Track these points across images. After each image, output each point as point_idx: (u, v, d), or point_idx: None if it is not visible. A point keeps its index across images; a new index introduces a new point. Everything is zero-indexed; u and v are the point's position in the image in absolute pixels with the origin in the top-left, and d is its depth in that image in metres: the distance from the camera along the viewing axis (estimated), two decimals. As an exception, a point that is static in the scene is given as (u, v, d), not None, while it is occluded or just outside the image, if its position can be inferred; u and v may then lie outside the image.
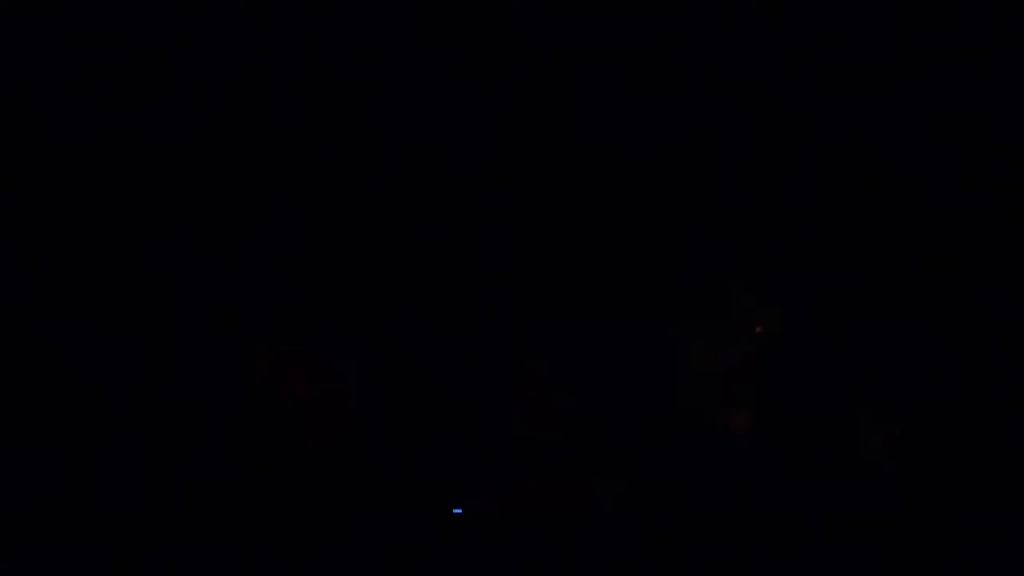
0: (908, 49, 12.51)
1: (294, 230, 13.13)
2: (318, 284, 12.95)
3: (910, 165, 13.19)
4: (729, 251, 13.24)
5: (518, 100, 13.55)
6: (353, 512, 11.40)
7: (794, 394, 12.65)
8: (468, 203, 13.24)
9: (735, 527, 11.14)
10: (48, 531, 10.66)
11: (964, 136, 12.62)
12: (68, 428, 12.08)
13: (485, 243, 13.13)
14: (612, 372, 12.82)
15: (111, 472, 11.35)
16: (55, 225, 12.92)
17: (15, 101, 12.99)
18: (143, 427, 12.08)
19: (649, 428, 12.49)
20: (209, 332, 12.32)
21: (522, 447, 12.30)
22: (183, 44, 12.83)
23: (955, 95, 12.61)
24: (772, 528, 11.16)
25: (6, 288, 12.67)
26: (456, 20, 12.73)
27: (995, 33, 11.88)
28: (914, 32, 12.43)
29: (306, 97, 13.36)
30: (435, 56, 12.94)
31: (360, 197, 13.39)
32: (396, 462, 11.93)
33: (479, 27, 12.76)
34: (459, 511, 11.09)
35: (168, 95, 13.13)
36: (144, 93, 13.06)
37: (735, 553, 10.60)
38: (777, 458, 11.88)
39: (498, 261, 13.40)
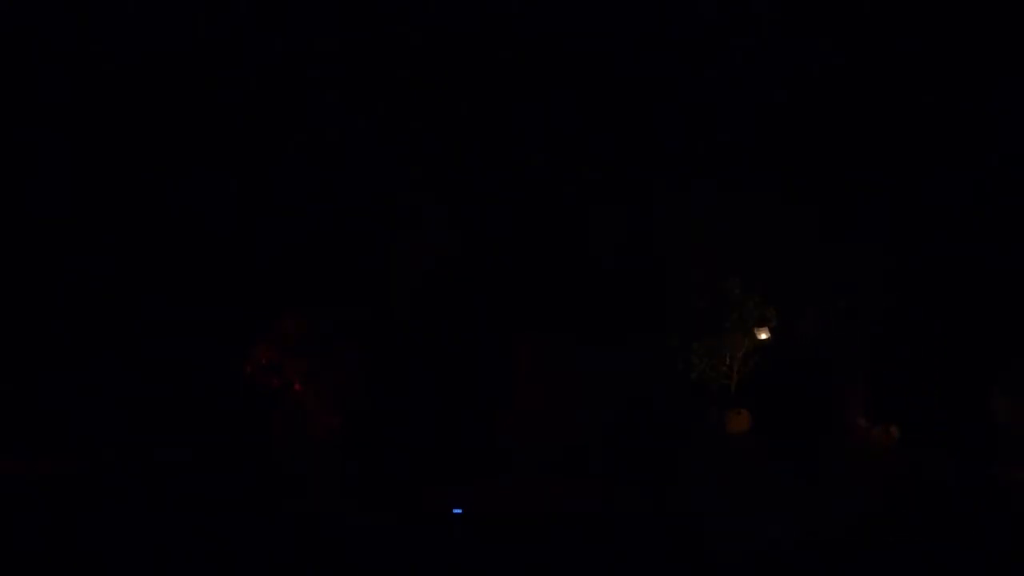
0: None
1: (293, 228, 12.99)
2: (316, 286, 12.80)
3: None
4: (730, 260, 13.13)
5: (520, 105, 13.41)
6: (353, 511, 11.29)
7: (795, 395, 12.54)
8: (477, 211, 13.17)
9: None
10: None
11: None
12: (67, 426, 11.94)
13: (498, 250, 13.07)
14: (612, 378, 12.67)
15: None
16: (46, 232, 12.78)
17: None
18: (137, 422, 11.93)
19: (647, 431, 12.37)
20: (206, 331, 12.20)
21: (523, 449, 12.19)
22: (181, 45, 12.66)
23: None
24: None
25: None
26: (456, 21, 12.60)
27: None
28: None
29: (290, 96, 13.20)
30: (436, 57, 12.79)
31: (358, 197, 13.21)
32: (397, 461, 11.83)
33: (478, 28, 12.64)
34: (459, 511, 11.01)
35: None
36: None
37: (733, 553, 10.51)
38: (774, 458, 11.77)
39: (502, 265, 13.29)
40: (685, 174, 13.01)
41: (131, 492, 11.39)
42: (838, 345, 12.85)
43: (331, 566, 10.17)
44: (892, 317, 12.94)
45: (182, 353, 12.45)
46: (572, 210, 13.20)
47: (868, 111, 13.10)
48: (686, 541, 10.57)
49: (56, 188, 12.95)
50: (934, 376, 12.75)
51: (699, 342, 12.79)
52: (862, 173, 13.09)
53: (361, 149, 13.06)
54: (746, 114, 13.09)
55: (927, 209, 13.02)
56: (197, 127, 13.00)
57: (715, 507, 11.14)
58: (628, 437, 12.24)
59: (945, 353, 12.77)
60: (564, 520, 10.97)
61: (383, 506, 11.30)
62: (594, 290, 13.10)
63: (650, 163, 13.15)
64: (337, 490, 11.45)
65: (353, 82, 13.00)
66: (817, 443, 12.22)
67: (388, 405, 12.18)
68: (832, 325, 12.89)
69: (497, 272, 13.02)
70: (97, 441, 12.09)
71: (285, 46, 12.86)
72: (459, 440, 12.14)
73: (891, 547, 10.38)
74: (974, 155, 13.01)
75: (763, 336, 12.50)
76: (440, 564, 10.27)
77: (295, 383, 11.71)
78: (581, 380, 12.48)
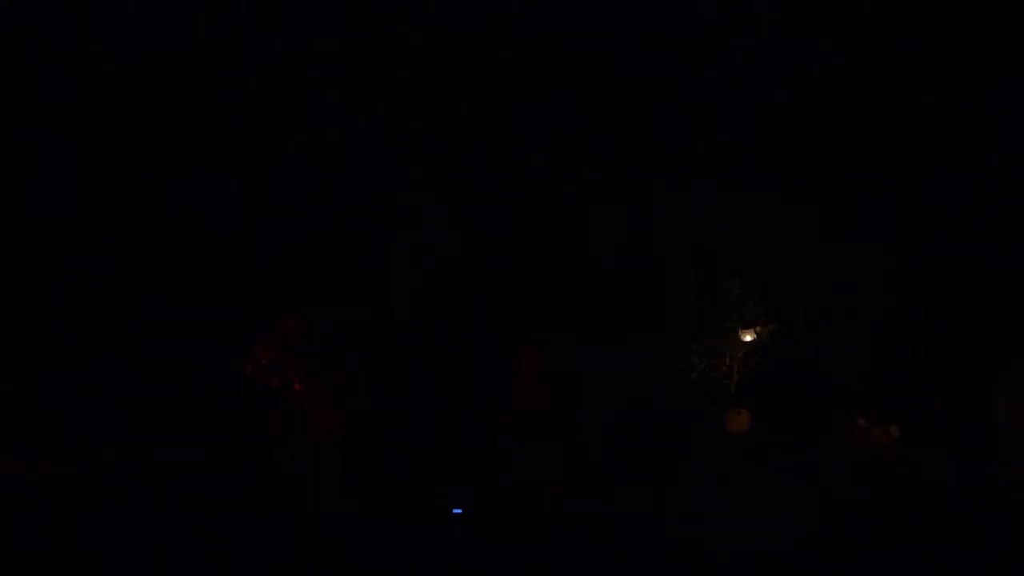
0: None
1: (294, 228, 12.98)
2: (316, 286, 12.81)
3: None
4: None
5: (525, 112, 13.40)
6: (353, 511, 11.29)
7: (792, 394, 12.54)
8: (477, 211, 13.16)
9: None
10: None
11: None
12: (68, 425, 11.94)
13: (498, 250, 13.06)
14: (612, 380, 12.68)
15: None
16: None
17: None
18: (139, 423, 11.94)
19: (647, 431, 12.38)
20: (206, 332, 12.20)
21: (523, 449, 12.20)
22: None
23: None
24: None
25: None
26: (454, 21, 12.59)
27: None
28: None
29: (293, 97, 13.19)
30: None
31: (357, 200, 13.22)
32: (397, 461, 11.84)
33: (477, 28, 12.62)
34: (459, 511, 11.02)
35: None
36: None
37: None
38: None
39: (503, 265, 13.28)
40: (685, 174, 13.01)
41: (131, 492, 11.39)
42: (838, 345, 12.85)
43: (331, 566, 10.18)
44: (892, 317, 12.93)
45: (182, 353, 12.45)
46: (572, 210, 13.20)
47: (868, 111, 13.10)
48: (686, 541, 10.58)
49: (56, 188, 12.95)
50: (934, 376, 12.74)
51: (699, 342, 12.80)
52: (862, 173, 13.08)
53: (361, 149, 13.06)
54: (746, 114, 13.09)
55: (927, 209, 13.02)
56: (197, 127, 13.00)
57: (715, 507, 11.14)
58: (628, 437, 12.24)
59: (945, 353, 12.77)
60: (564, 520, 10.97)
61: (383, 506, 11.30)
62: (594, 290, 13.09)
63: (650, 163, 13.15)
64: (337, 490, 11.45)
65: (353, 82, 13.00)
66: (817, 443, 12.22)
67: (388, 405, 12.18)
68: (832, 325, 12.89)
69: (497, 272, 13.02)
70: (97, 441, 12.09)
71: (285, 46, 12.86)
72: (459, 440, 12.13)
73: (891, 547, 10.39)
74: (974, 155, 13.01)
75: (747, 338, 12.49)
76: (440, 564, 10.28)
77: (295, 383, 11.71)
78: (581, 380, 12.48)
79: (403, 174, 13.08)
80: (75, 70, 12.91)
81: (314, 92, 12.92)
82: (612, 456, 12.05)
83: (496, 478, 11.79)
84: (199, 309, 12.60)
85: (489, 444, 12.15)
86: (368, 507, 11.26)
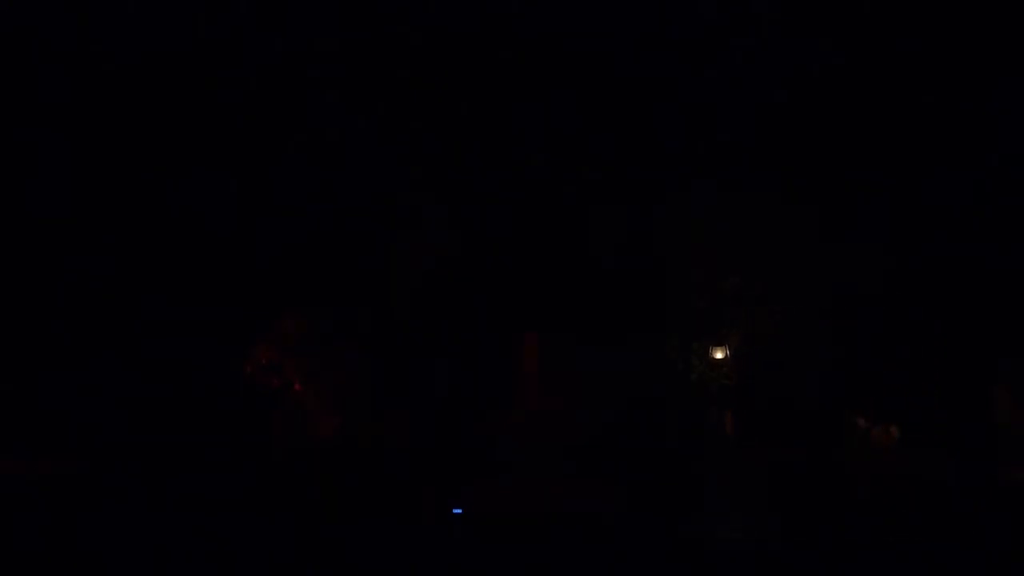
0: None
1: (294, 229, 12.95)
2: (316, 286, 12.79)
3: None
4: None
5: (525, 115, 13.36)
6: (353, 511, 11.28)
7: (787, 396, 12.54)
8: (477, 211, 13.13)
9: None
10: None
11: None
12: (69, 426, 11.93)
13: (498, 250, 13.04)
14: (610, 379, 12.68)
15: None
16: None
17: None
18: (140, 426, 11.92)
19: (647, 431, 12.38)
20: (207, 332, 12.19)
21: (523, 449, 12.20)
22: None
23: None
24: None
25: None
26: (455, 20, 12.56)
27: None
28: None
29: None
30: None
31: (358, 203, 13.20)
32: (397, 461, 11.83)
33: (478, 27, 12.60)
34: (459, 511, 11.02)
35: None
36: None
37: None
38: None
39: (503, 265, 13.26)
40: (685, 174, 13.01)
41: (131, 492, 11.39)
42: (837, 346, 12.85)
43: (331, 566, 10.18)
44: (892, 317, 12.93)
45: (182, 353, 12.45)
46: (572, 210, 13.20)
47: (868, 111, 13.10)
48: (686, 541, 10.58)
49: (56, 188, 12.95)
50: (934, 376, 12.75)
51: (699, 342, 12.79)
52: (862, 173, 13.08)
53: (361, 149, 13.06)
54: (746, 114, 13.09)
55: (927, 209, 13.02)
56: (197, 127, 13.00)
57: (715, 507, 11.15)
58: (628, 437, 12.24)
59: (945, 353, 12.77)
60: (564, 520, 10.97)
61: (383, 506, 11.30)
62: (594, 290, 13.09)
63: (650, 163, 13.14)
64: (337, 490, 11.45)
65: (353, 82, 13.00)
66: (816, 443, 12.23)
67: (388, 405, 12.18)
68: (830, 326, 12.90)
69: (497, 272, 13.02)
70: (97, 441, 12.09)
71: (285, 46, 12.86)
72: (459, 440, 12.13)
73: (891, 547, 10.40)
74: (974, 155, 13.01)
75: (719, 355, 12.50)
76: (440, 564, 10.28)
77: (295, 383, 11.71)
78: (581, 380, 12.48)
79: (403, 174, 13.08)
80: (75, 70, 12.91)
81: (314, 92, 12.91)
82: (612, 456, 12.05)
83: (496, 478, 11.79)
84: (199, 309, 12.60)
85: (489, 444, 12.15)
86: (368, 507, 11.26)
